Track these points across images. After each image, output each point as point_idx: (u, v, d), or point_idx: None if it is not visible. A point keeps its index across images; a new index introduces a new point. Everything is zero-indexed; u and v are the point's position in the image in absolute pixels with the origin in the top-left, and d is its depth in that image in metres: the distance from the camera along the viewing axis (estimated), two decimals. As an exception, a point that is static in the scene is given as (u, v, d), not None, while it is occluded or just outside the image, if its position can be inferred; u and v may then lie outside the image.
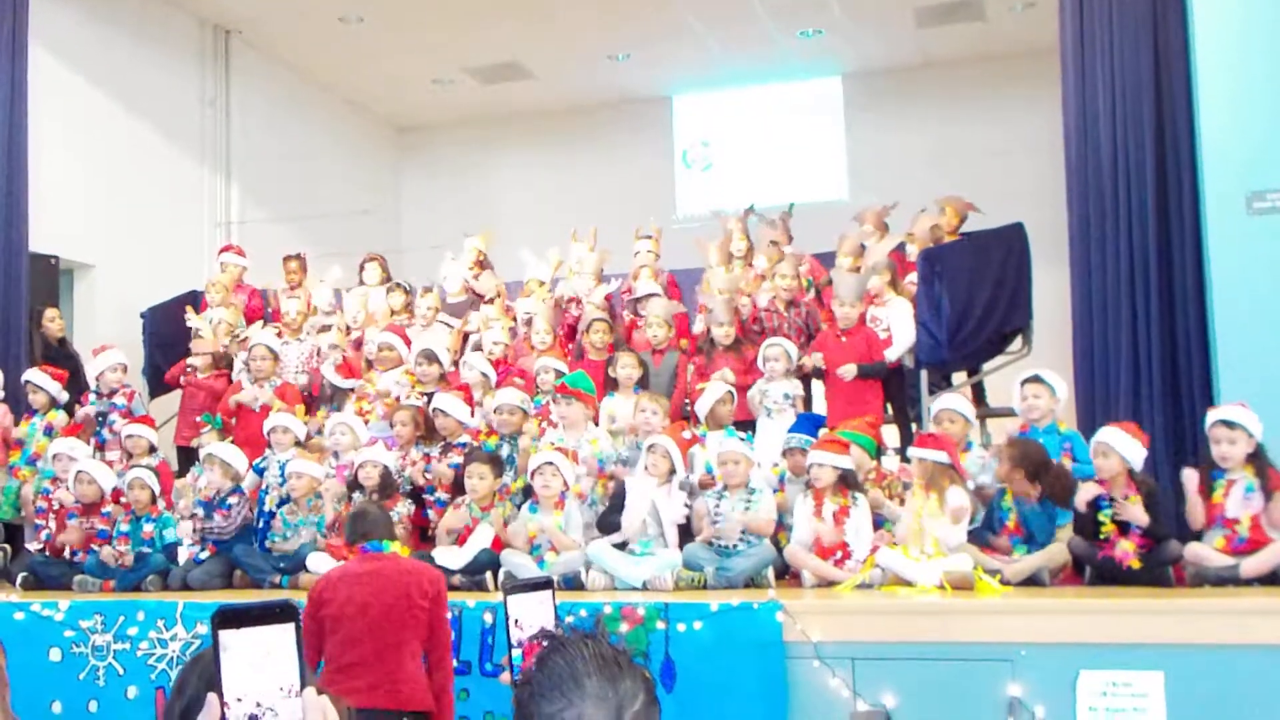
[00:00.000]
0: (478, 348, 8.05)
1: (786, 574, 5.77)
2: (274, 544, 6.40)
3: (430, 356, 7.44)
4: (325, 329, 8.45)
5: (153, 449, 7.15)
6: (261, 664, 1.52)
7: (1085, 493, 5.33)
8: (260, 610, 1.53)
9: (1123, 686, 4.37)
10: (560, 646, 1.54)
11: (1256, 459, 5.19)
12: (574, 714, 1.47)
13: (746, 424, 6.86)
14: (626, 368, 7.07)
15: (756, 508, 5.73)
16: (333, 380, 7.70)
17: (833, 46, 11.93)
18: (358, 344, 8.28)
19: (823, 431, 6.22)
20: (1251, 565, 4.97)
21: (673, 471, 5.92)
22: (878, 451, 6.00)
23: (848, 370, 6.95)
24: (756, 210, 9.08)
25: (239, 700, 1.51)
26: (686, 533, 5.90)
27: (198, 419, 7.61)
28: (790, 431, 6.38)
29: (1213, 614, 4.60)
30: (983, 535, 5.56)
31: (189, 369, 8.23)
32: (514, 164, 13.76)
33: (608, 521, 5.99)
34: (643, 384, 7.07)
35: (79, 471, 6.66)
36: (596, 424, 6.71)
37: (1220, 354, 6.30)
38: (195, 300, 9.08)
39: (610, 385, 7.11)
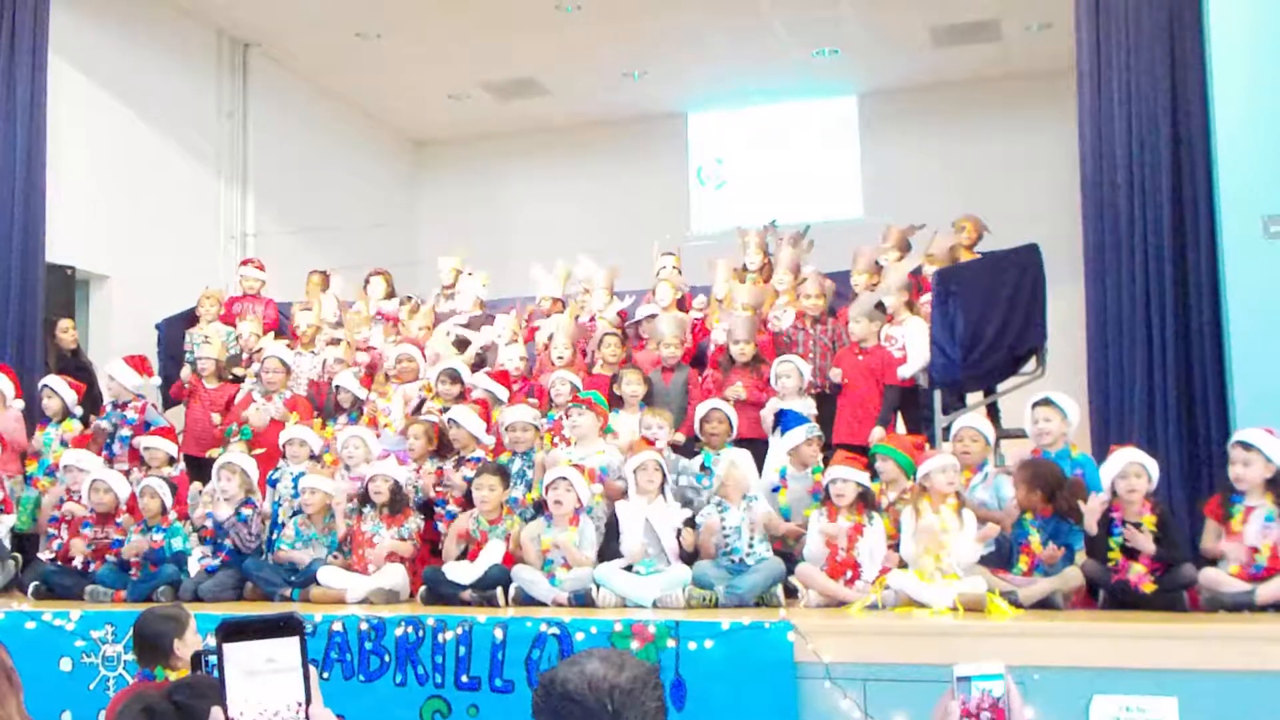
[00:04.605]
0: (481, 364, 8.07)
1: (796, 591, 5.74)
2: (280, 550, 6.37)
3: (454, 377, 7.44)
4: (335, 342, 8.46)
5: (172, 460, 7.11)
6: (265, 677, 1.51)
7: (1095, 505, 5.26)
8: (264, 623, 1.52)
9: (1136, 712, 4.34)
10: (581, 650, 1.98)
11: (1277, 486, 5.15)
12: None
13: (760, 442, 6.84)
14: (631, 384, 7.08)
15: (757, 508, 5.84)
16: (354, 391, 7.70)
17: (848, 65, 11.95)
18: (369, 372, 8.22)
19: (840, 453, 6.19)
20: (1267, 591, 4.93)
21: (664, 484, 5.97)
22: (914, 471, 5.90)
23: None
24: (778, 226, 9.04)
25: (242, 714, 1.49)
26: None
27: (224, 432, 7.59)
28: (783, 429, 6.41)
29: (1227, 640, 4.56)
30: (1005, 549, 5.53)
31: (196, 373, 8.22)
32: (529, 179, 13.78)
33: (607, 550, 5.96)
34: (647, 401, 7.06)
35: (94, 480, 6.69)
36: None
37: (1235, 376, 6.27)
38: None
39: (615, 402, 7.11)
